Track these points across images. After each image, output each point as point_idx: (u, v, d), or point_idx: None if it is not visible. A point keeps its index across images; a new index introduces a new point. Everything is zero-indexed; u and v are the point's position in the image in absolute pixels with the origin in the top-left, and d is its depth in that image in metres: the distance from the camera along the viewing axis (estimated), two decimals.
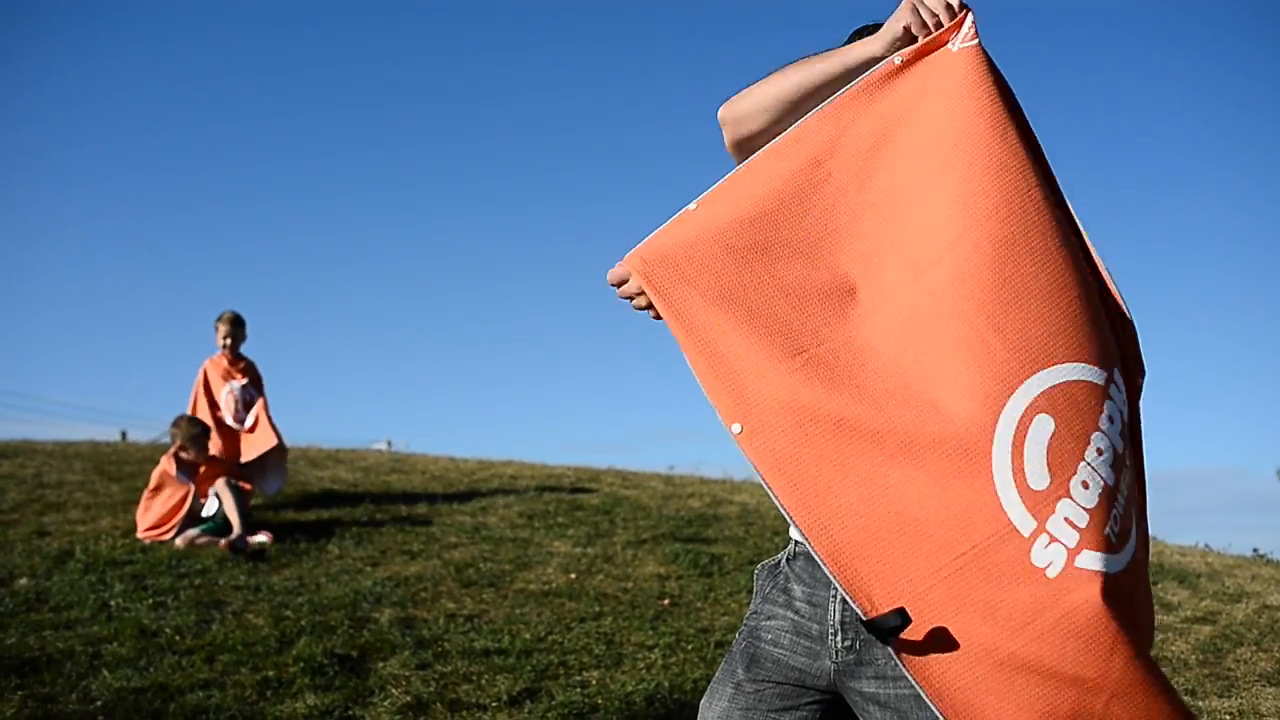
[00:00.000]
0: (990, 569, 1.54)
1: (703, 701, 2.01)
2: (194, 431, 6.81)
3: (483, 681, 4.43)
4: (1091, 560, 1.52)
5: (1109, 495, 1.55)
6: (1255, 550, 7.16)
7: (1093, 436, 1.55)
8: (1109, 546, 1.53)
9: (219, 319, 7.32)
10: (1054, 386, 1.56)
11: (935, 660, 1.56)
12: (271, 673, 4.45)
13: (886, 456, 1.58)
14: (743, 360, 1.64)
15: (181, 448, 6.79)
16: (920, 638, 1.57)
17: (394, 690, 4.32)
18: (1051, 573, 1.51)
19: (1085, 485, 1.54)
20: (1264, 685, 4.40)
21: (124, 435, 12.49)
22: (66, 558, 5.91)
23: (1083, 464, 1.54)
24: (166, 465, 6.72)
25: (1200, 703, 4.26)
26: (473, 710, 4.18)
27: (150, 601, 5.28)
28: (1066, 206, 1.71)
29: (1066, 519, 1.53)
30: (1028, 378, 1.56)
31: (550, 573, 5.99)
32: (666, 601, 5.55)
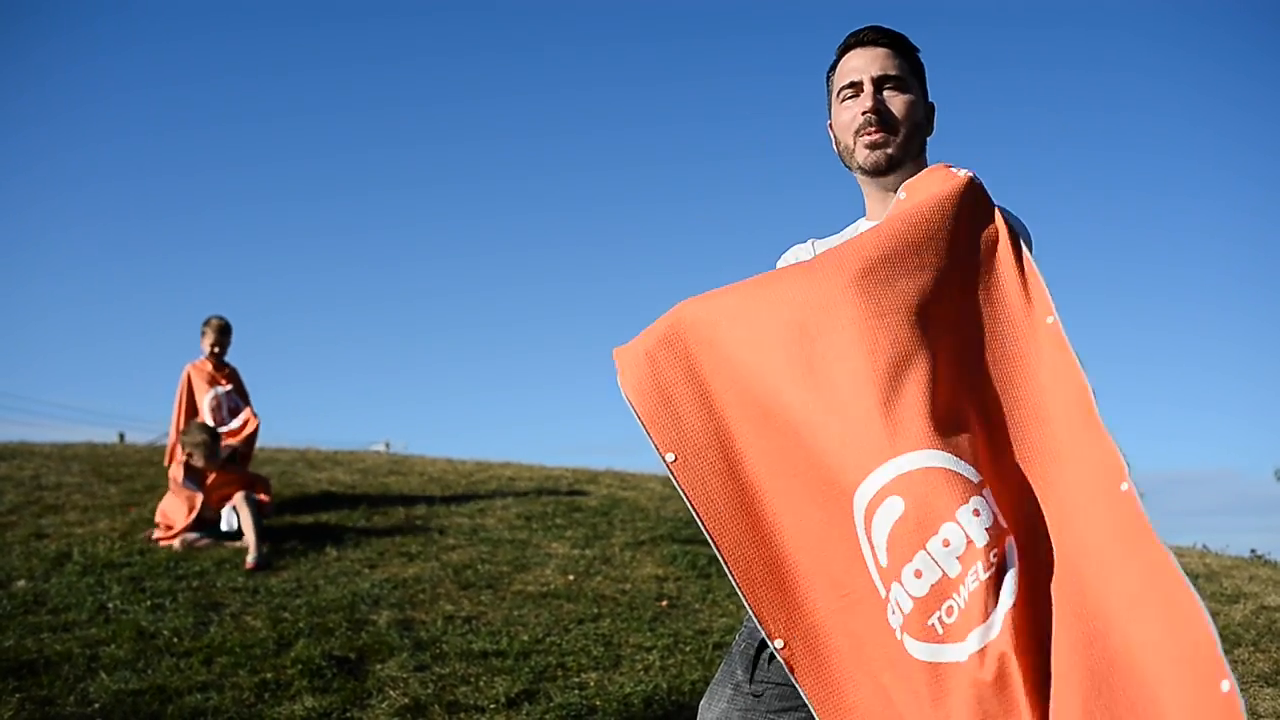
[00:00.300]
0: (864, 613, 1.66)
1: (702, 703, 2.02)
2: (201, 439, 6.71)
3: (481, 683, 4.43)
4: (910, 644, 1.58)
5: (945, 587, 1.53)
6: (1253, 551, 7.16)
7: (943, 526, 1.53)
8: (931, 636, 1.54)
9: (207, 324, 7.24)
10: (917, 470, 1.56)
11: (820, 678, 1.71)
12: (269, 675, 4.45)
13: (786, 501, 1.71)
14: (682, 396, 1.78)
15: (190, 455, 6.71)
16: (809, 660, 1.71)
17: (392, 692, 4.31)
18: (898, 635, 1.61)
19: (918, 574, 1.55)
20: (1261, 686, 4.40)
21: (122, 437, 12.50)
22: (64, 560, 5.91)
23: (921, 553, 1.55)
24: (175, 473, 6.66)
25: None
26: (471, 712, 4.18)
27: (148, 603, 5.28)
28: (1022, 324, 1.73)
29: (897, 600, 1.59)
30: (895, 456, 1.59)
31: (548, 574, 5.99)
32: (664, 603, 5.55)
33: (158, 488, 7.51)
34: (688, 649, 4.87)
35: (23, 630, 4.85)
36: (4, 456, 8.76)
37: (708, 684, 2.04)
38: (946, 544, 1.53)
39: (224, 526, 6.55)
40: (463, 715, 4.16)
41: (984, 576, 1.51)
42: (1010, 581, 1.52)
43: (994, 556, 1.51)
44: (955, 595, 1.52)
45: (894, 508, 1.57)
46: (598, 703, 4.26)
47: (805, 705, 1.91)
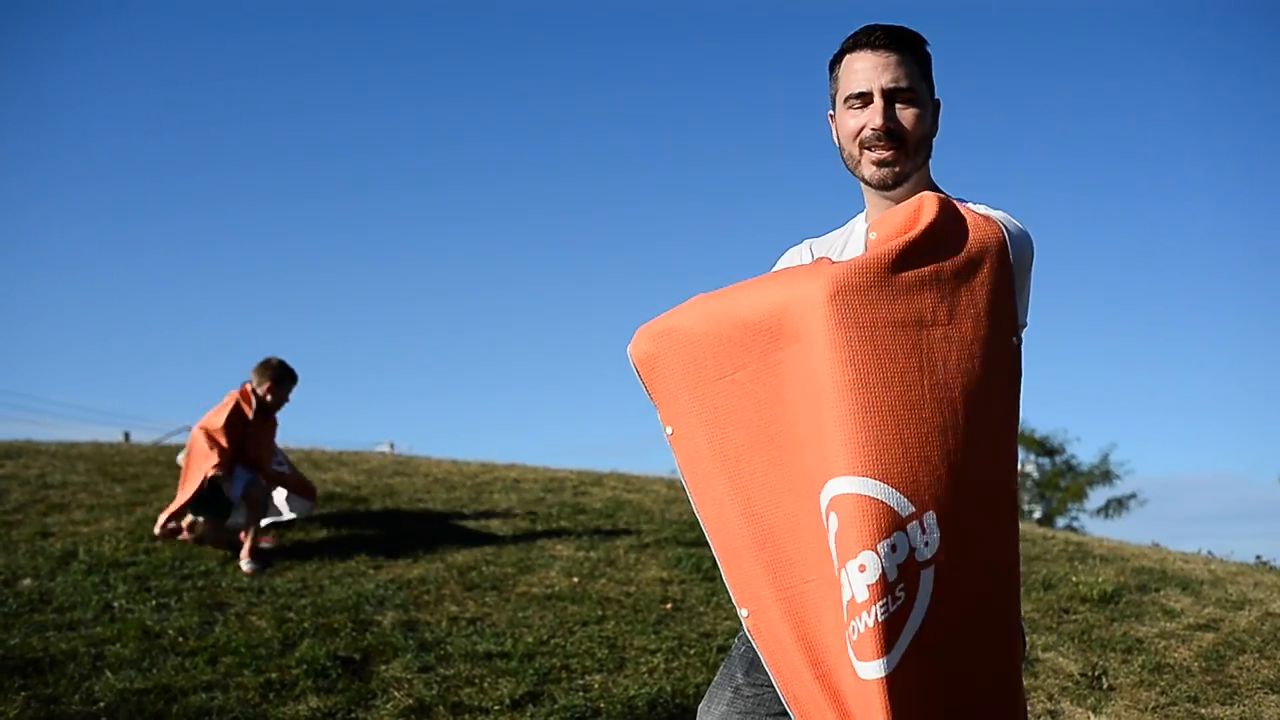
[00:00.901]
0: (827, 597, 1.75)
1: (701, 705, 2.02)
2: (283, 373, 6.31)
3: (485, 685, 4.44)
4: (850, 634, 1.68)
5: (854, 608, 1.65)
6: (1258, 557, 7.15)
7: (863, 553, 1.63)
8: (849, 642, 1.67)
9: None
10: (849, 494, 1.66)
11: (779, 649, 1.81)
12: (274, 675, 4.46)
13: (763, 487, 1.82)
14: (678, 379, 1.90)
15: (270, 390, 6.30)
16: (774, 631, 1.80)
17: (396, 693, 4.32)
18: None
19: (842, 587, 1.68)
20: (1267, 693, 4.39)
21: (127, 436, 12.53)
22: (70, 559, 5.92)
23: (844, 571, 1.66)
24: (244, 403, 6.28)
25: (1203, 710, 4.25)
26: (475, 713, 4.19)
27: (153, 603, 5.29)
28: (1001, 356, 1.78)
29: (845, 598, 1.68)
30: (835, 476, 1.69)
31: (553, 576, 5.99)
32: (669, 606, 5.55)
33: (163, 487, 7.52)
34: (692, 652, 4.87)
35: (28, 629, 4.86)
36: (10, 455, 8.78)
37: (710, 684, 2.05)
38: (863, 569, 1.64)
39: (286, 508, 6.49)
40: (467, 717, 4.17)
41: (893, 609, 1.62)
42: (916, 616, 1.64)
43: (901, 591, 1.62)
44: (860, 618, 1.64)
45: (833, 523, 1.69)
46: (602, 705, 4.26)
47: None
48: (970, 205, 1.99)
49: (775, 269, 2.22)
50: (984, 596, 1.71)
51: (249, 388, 6.40)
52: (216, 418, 6.28)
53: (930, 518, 1.64)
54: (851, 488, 1.65)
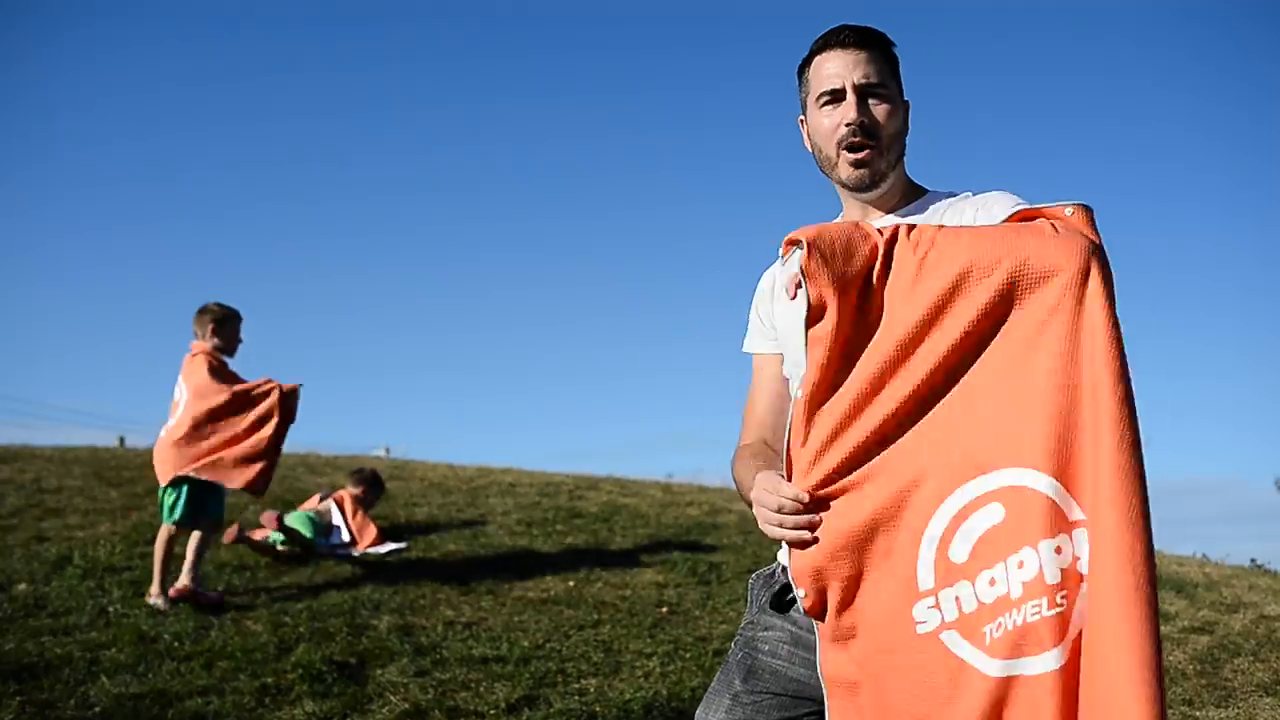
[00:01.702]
0: (888, 595, 1.66)
1: (698, 711, 2.02)
2: (225, 312, 5.72)
3: (481, 689, 4.44)
4: (952, 640, 1.60)
5: (1004, 604, 1.57)
6: (1253, 560, 7.17)
7: (1024, 549, 1.56)
8: (978, 642, 1.59)
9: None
10: (1025, 487, 1.58)
11: (833, 645, 1.74)
12: (270, 679, 4.46)
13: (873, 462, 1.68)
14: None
15: (214, 331, 5.70)
16: (832, 625, 1.72)
17: (392, 697, 4.32)
18: (921, 630, 1.63)
19: (992, 582, 1.59)
20: (1261, 695, 4.41)
21: (122, 441, 12.47)
22: (65, 563, 5.91)
23: (1001, 564, 1.58)
24: (211, 360, 5.69)
25: (1197, 713, 4.26)
26: (470, 718, 4.19)
27: (149, 607, 5.28)
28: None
29: (958, 597, 1.61)
30: (1014, 466, 1.60)
31: (548, 580, 6.00)
32: (664, 610, 5.55)
33: (158, 491, 7.50)
34: (688, 655, 4.88)
35: (23, 633, 4.86)
36: (5, 459, 8.77)
37: (707, 691, 2.05)
38: (1021, 565, 1.56)
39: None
40: None
41: (1047, 613, 1.53)
42: (1072, 631, 1.53)
43: (1061, 599, 1.53)
44: (1008, 615, 1.55)
45: (995, 513, 1.59)
46: (598, 709, 4.26)
47: (804, 716, 1.92)
48: (958, 196, 2.00)
49: (757, 294, 2.17)
50: (1124, 618, 1.53)
51: (199, 345, 5.75)
52: (213, 395, 5.64)
53: (1082, 532, 1.55)
54: (1028, 480, 1.57)
